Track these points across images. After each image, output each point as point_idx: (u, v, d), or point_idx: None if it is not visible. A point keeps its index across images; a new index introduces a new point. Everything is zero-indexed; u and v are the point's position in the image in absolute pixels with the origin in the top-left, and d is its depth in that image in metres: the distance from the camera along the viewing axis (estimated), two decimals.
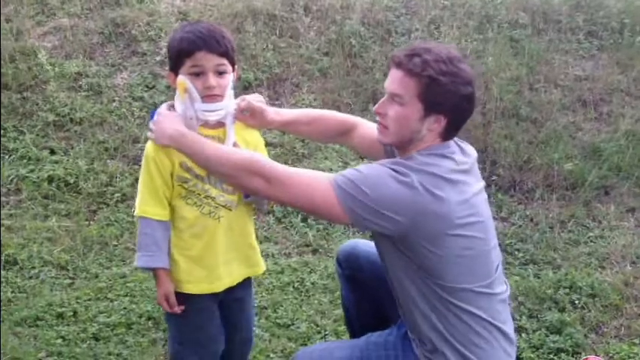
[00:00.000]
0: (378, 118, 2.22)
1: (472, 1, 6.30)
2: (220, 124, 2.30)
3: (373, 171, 2.11)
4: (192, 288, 2.35)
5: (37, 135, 4.89)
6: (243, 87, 5.39)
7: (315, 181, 2.14)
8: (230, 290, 2.42)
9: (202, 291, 2.36)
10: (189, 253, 2.34)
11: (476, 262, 2.15)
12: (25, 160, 4.66)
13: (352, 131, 2.53)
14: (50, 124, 4.98)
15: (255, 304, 3.51)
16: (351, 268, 2.64)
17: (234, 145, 2.30)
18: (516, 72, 5.54)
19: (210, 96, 2.24)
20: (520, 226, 4.40)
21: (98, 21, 5.93)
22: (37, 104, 5.13)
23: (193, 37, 2.22)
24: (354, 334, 2.66)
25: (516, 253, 4.13)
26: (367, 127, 2.49)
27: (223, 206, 2.33)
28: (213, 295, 2.39)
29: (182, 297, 2.35)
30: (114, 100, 5.27)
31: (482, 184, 2.25)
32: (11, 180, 4.48)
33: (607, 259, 4.03)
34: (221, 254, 2.36)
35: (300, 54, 5.79)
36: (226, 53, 2.25)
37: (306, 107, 5.16)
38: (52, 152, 4.79)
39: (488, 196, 2.30)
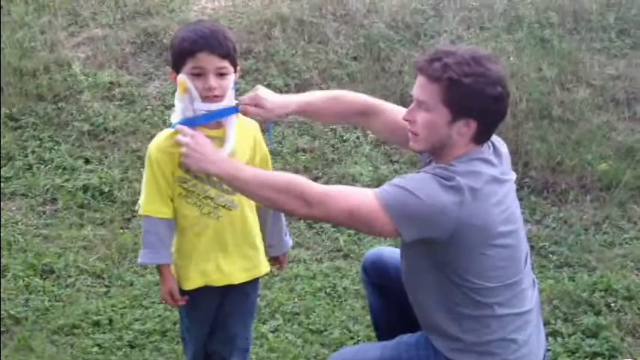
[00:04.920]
0: (408, 126, 2.21)
1: (501, 2, 6.26)
2: (220, 125, 2.31)
3: (417, 178, 2.12)
4: (189, 284, 2.42)
5: (72, 145, 4.97)
6: None
7: (357, 194, 2.13)
8: (230, 288, 2.46)
9: (198, 284, 2.41)
10: (190, 251, 2.39)
11: (509, 258, 2.16)
12: (60, 170, 4.73)
13: (377, 115, 2.50)
14: (85, 134, 5.06)
15: (288, 311, 3.53)
16: (378, 275, 2.66)
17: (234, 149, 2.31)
18: (547, 72, 5.48)
19: (209, 97, 2.25)
20: (554, 228, 4.34)
21: (130, 31, 6.01)
22: (72, 114, 5.21)
23: (195, 36, 2.24)
24: (385, 339, 2.67)
25: (550, 256, 4.08)
26: (392, 113, 2.47)
27: (223, 206, 2.36)
28: (215, 289, 2.44)
29: (186, 292, 2.43)
30: (147, 109, 5.33)
31: (513, 176, 2.26)
32: (47, 190, 4.55)
33: None
34: (222, 251, 2.41)
35: (328, 59, 5.80)
36: (228, 54, 2.26)
37: None
38: (87, 162, 4.86)
39: (521, 199, 2.31)
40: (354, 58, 5.84)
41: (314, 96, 2.53)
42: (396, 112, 2.43)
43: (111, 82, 5.51)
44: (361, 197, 2.10)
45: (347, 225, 2.31)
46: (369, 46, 5.86)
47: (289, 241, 2.69)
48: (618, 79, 5.54)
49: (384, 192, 2.08)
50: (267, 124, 2.49)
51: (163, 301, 2.53)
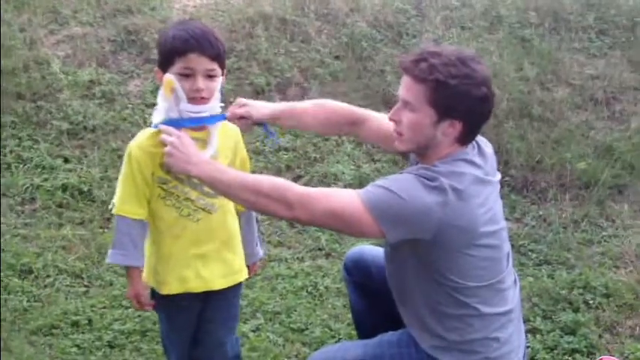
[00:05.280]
0: (392, 125, 2.21)
1: (482, 2, 6.30)
2: (204, 127, 2.28)
3: (401, 179, 2.11)
4: (167, 289, 2.37)
5: (51, 144, 4.93)
6: (256, 92, 5.42)
7: (340, 196, 2.12)
8: (211, 294, 2.42)
9: (177, 291, 2.37)
10: (167, 254, 2.36)
11: (492, 258, 2.18)
12: (39, 169, 4.69)
13: (364, 123, 2.51)
14: (64, 133, 5.02)
15: (269, 310, 3.53)
16: (360, 274, 2.66)
17: (216, 151, 2.30)
18: (528, 72, 5.52)
19: (196, 98, 2.21)
20: (533, 226, 4.38)
21: (110, 29, 5.97)
22: (51, 113, 5.16)
23: (187, 35, 2.19)
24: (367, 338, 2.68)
25: (530, 253, 4.11)
26: (378, 121, 2.48)
27: (202, 209, 2.33)
28: (195, 295, 2.40)
29: (164, 297, 2.39)
30: (127, 108, 5.30)
31: (498, 177, 2.26)
32: (26, 189, 4.51)
33: (621, 259, 4.01)
34: (201, 256, 2.37)
35: (311, 58, 5.80)
36: (218, 56, 2.22)
37: None
38: (66, 161, 4.82)
39: (501, 197, 2.31)
40: (337, 57, 5.85)
41: (300, 103, 2.55)
42: (381, 119, 2.44)
43: (91, 81, 5.47)
44: (344, 199, 2.09)
45: (330, 227, 2.29)
46: (352, 45, 5.88)
47: (260, 252, 2.65)
48: (597, 78, 5.60)
49: (368, 193, 2.07)
50: (264, 129, 2.47)
51: (128, 298, 2.51)
